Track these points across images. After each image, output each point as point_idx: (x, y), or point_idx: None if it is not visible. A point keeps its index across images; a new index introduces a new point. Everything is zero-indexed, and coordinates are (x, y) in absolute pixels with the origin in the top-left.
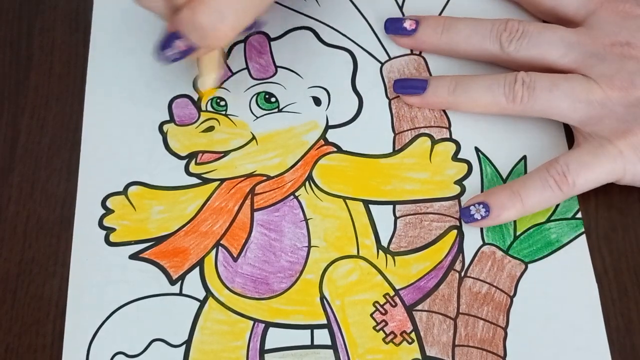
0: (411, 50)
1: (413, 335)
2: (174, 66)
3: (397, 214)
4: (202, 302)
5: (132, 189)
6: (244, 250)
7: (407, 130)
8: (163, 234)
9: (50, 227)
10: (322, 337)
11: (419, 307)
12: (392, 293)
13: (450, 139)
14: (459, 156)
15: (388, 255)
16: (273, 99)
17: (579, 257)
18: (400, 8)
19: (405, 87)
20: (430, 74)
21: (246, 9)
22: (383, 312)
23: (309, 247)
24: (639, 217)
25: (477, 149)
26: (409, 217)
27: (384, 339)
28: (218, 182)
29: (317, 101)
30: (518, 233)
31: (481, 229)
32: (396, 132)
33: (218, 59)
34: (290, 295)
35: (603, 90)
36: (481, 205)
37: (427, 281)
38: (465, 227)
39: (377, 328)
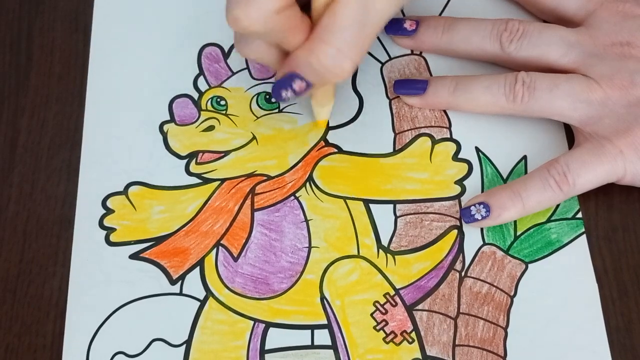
0: (411, 51)
1: (413, 335)
2: (174, 66)
3: (398, 214)
4: (203, 302)
5: (132, 188)
6: (245, 250)
7: (408, 130)
8: (163, 233)
9: (50, 227)
10: (322, 337)
11: (420, 306)
12: (392, 293)
13: (451, 139)
14: (459, 156)
15: (388, 255)
16: (273, 99)
17: (579, 257)
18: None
19: (406, 88)
20: (431, 74)
21: (363, 42)
22: (383, 311)
23: (310, 247)
24: (639, 217)
25: (477, 149)
26: (409, 217)
27: (384, 339)
28: (218, 182)
29: None
30: (518, 233)
31: (481, 229)
32: (396, 132)
33: (332, 90)
34: (290, 295)
35: (603, 89)
36: (482, 206)
37: (427, 281)
38: (466, 227)
39: (378, 328)
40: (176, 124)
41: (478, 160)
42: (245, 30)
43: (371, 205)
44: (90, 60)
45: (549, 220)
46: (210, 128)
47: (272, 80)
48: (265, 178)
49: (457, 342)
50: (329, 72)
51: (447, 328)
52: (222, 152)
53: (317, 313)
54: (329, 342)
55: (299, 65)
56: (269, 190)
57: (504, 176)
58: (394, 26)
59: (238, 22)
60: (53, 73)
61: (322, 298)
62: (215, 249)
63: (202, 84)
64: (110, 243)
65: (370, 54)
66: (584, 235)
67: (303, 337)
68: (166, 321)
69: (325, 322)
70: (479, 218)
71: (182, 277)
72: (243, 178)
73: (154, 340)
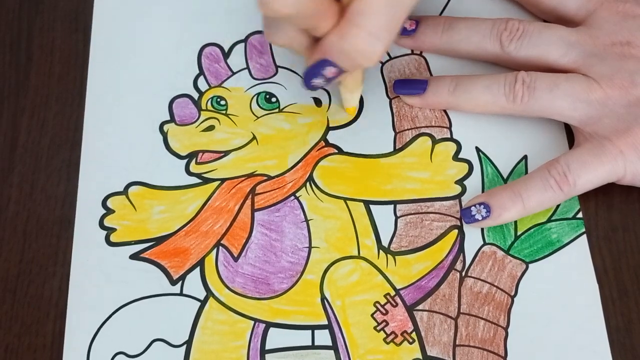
0: (412, 50)
1: (414, 335)
2: (174, 66)
3: (398, 214)
4: (203, 302)
5: (132, 189)
6: (245, 250)
7: (408, 129)
8: (163, 233)
9: (50, 227)
10: (322, 337)
11: (420, 307)
12: (392, 293)
13: (451, 139)
14: (459, 156)
15: (389, 255)
16: (274, 99)
17: (579, 257)
18: None
19: (406, 88)
20: (431, 74)
21: (395, 24)
22: (384, 312)
23: (310, 247)
24: (639, 217)
25: (477, 149)
26: (409, 217)
27: (384, 339)
28: (218, 182)
29: (317, 102)
30: (519, 233)
31: (482, 229)
32: (397, 131)
33: (361, 76)
34: (290, 295)
35: (603, 89)
36: (482, 206)
37: (427, 281)
38: (466, 227)
39: (378, 328)
40: (176, 124)
41: (478, 160)
42: (276, 14)
43: (371, 206)
44: (90, 60)
45: (549, 220)
46: (210, 128)
47: (270, 79)
48: (265, 178)
49: (457, 342)
50: (361, 56)
51: (447, 328)
52: (222, 152)
53: (317, 313)
54: (329, 343)
55: (331, 50)
56: (269, 190)
57: (505, 176)
58: None
59: (269, 5)
60: (53, 73)
61: (323, 298)
62: (215, 249)
63: (202, 84)
64: (111, 243)
65: None
66: (585, 235)
67: (303, 337)
68: (167, 321)
69: (326, 322)
70: (480, 218)
71: (182, 277)
72: (243, 178)
73: (154, 340)
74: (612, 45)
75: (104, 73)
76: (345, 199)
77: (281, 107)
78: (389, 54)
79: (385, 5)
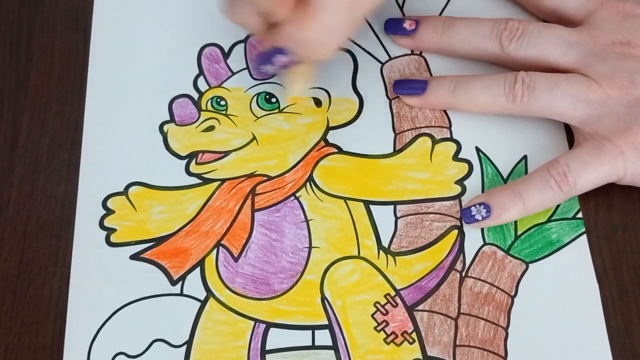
0: (412, 51)
1: (414, 335)
2: (174, 66)
3: (398, 214)
4: (203, 303)
5: (132, 189)
6: (245, 250)
7: (408, 130)
8: (164, 234)
9: (50, 227)
10: (323, 337)
11: (420, 307)
12: (393, 293)
13: (451, 139)
14: (459, 156)
15: (389, 256)
16: (274, 100)
17: (579, 257)
18: (401, 8)
19: (405, 88)
20: (431, 74)
21: (350, 20)
22: (384, 312)
23: (310, 247)
24: (639, 217)
25: (477, 149)
26: (409, 217)
27: (385, 340)
28: (219, 182)
29: (317, 102)
30: (519, 233)
31: (482, 229)
32: (397, 132)
33: (310, 68)
34: (291, 295)
35: (603, 89)
36: (482, 206)
37: (428, 281)
38: (466, 227)
39: (378, 328)
40: (176, 124)
41: (478, 160)
42: None
43: (372, 207)
44: (90, 60)
45: (549, 220)
46: (210, 128)
47: (270, 80)
48: (265, 178)
49: (457, 343)
50: (316, 49)
51: (447, 328)
52: (222, 152)
53: (317, 313)
54: (329, 343)
55: (288, 39)
56: (269, 191)
57: (505, 176)
58: (394, 26)
59: None
60: (53, 73)
61: (323, 298)
62: (215, 249)
63: (202, 84)
64: (111, 243)
65: (370, 54)
66: (585, 235)
67: (304, 337)
68: (167, 322)
69: (326, 322)
70: (480, 219)
71: (182, 278)
72: (243, 178)
73: (155, 340)
74: (612, 45)
75: (104, 73)
76: (345, 199)
77: (281, 108)
78: (388, 54)
79: (346, 3)
